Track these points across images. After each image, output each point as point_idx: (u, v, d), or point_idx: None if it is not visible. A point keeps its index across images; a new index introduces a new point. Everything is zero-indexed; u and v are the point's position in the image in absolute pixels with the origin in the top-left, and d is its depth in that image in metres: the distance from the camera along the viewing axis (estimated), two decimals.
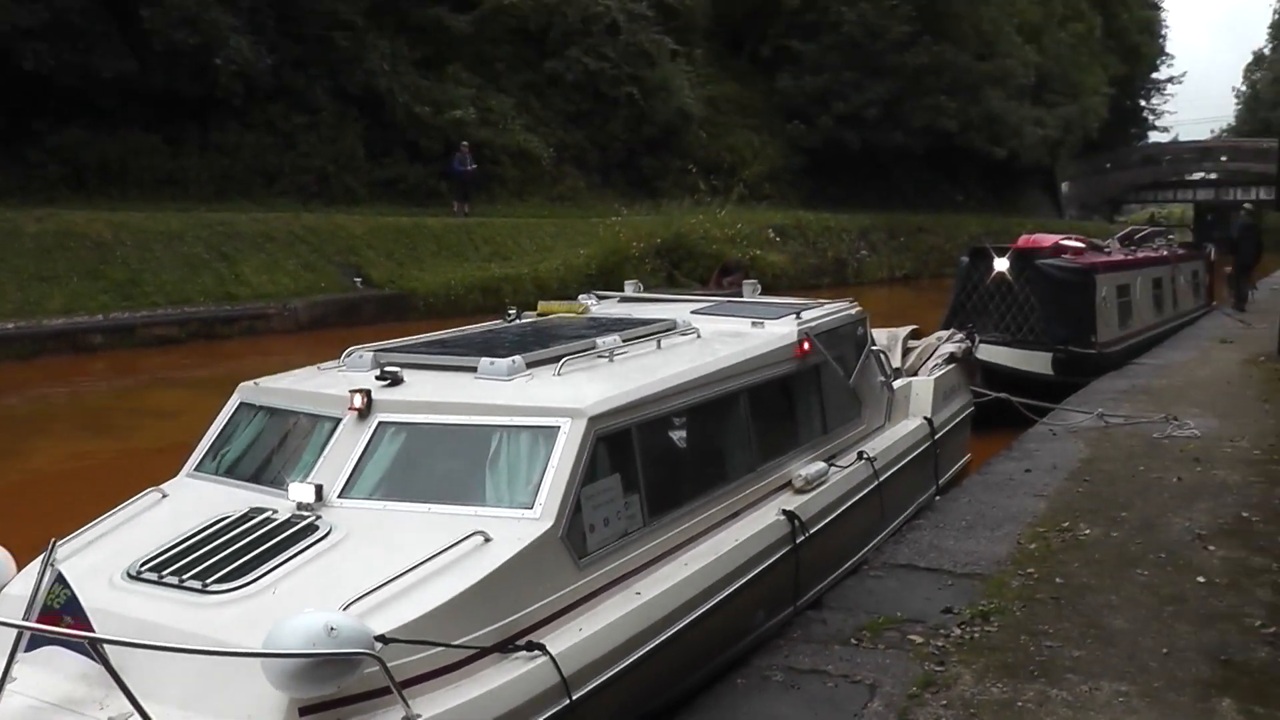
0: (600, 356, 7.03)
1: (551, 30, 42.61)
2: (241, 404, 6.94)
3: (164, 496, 6.39)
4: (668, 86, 44.46)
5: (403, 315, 27.61)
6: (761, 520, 7.28)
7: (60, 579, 4.69)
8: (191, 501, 6.20)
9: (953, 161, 59.00)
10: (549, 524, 5.56)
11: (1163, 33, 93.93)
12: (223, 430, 6.87)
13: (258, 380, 7.02)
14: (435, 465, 6.04)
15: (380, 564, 5.16)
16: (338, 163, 34.54)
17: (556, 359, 6.72)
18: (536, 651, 5.21)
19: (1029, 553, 8.65)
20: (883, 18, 50.55)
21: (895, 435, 9.90)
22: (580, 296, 10.04)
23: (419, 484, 5.93)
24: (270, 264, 27.89)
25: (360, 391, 6.19)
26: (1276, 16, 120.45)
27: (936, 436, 10.62)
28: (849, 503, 8.38)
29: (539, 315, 9.15)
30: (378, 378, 6.45)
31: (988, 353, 15.67)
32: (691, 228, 35.63)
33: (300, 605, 4.85)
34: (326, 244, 29.67)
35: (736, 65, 55.46)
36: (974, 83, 54.97)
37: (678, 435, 7.03)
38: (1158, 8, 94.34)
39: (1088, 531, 9.14)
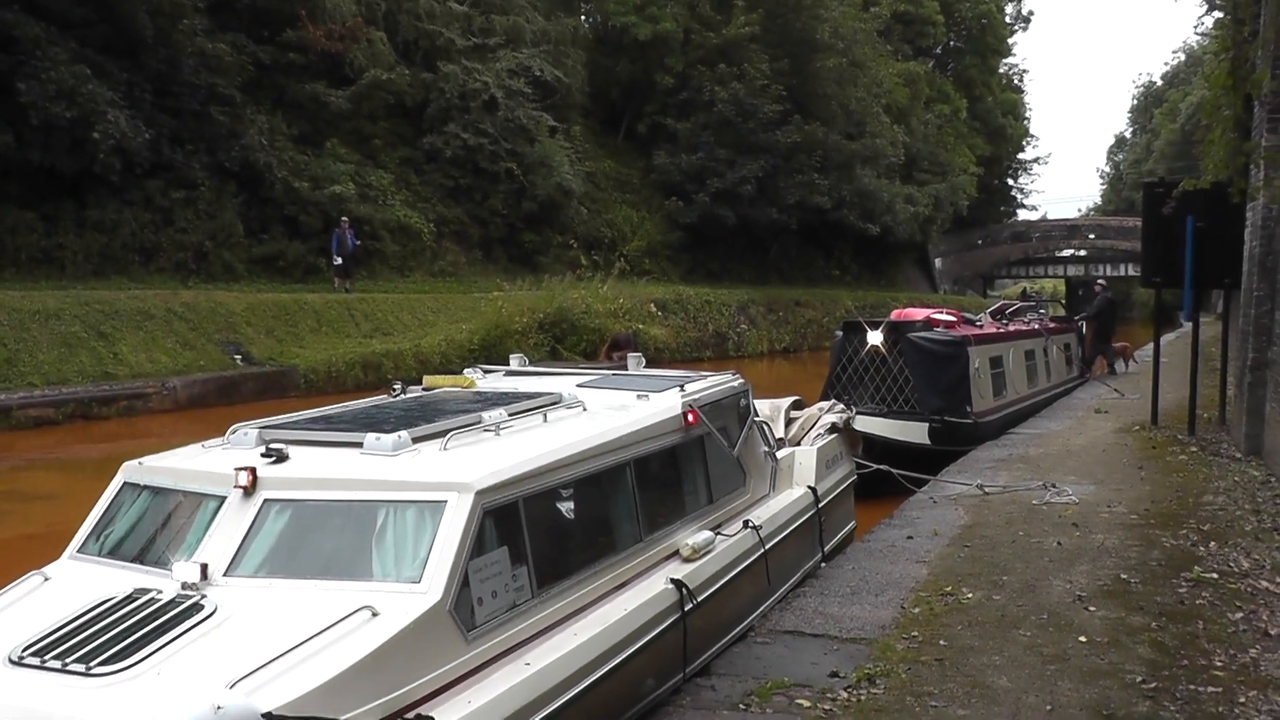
0: (487, 430, 7.06)
1: (429, 106, 42.84)
2: (125, 484, 6.85)
3: (46, 580, 6.27)
4: (547, 162, 44.79)
5: (283, 392, 27.41)
6: (650, 589, 7.35)
7: None
8: (75, 584, 6.10)
9: (827, 237, 60.23)
10: (437, 598, 5.57)
11: (1027, 115, 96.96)
12: (106, 511, 6.77)
13: (142, 460, 6.93)
14: (322, 541, 6.02)
15: (266, 641, 5.14)
16: (216, 239, 34.32)
17: (442, 434, 6.73)
18: None
19: (913, 617, 8.82)
20: (754, 96, 51.69)
21: (780, 504, 10.05)
22: (466, 370, 10.07)
23: (306, 560, 5.91)
24: (149, 342, 27.59)
25: (246, 469, 6.15)
26: (1135, 101, 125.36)
27: (821, 504, 10.80)
28: (736, 570, 8.48)
29: (425, 389, 9.17)
30: (263, 455, 6.41)
31: (865, 424, 15.98)
32: (574, 302, 35.89)
33: (186, 684, 4.83)
34: (205, 321, 29.39)
35: (614, 142, 56.26)
36: (845, 160, 56.45)
37: (565, 507, 7.09)
38: (1021, 91, 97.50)
39: (970, 595, 9.35)
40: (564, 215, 46.84)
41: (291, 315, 31.74)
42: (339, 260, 35.45)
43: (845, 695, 7.15)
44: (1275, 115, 15.13)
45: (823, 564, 10.83)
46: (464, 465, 6.27)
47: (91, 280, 30.14)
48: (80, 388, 24.95)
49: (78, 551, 6.59)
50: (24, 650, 5.27)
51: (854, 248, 63.85)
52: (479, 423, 7.13)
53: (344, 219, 35.59)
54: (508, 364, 10.57)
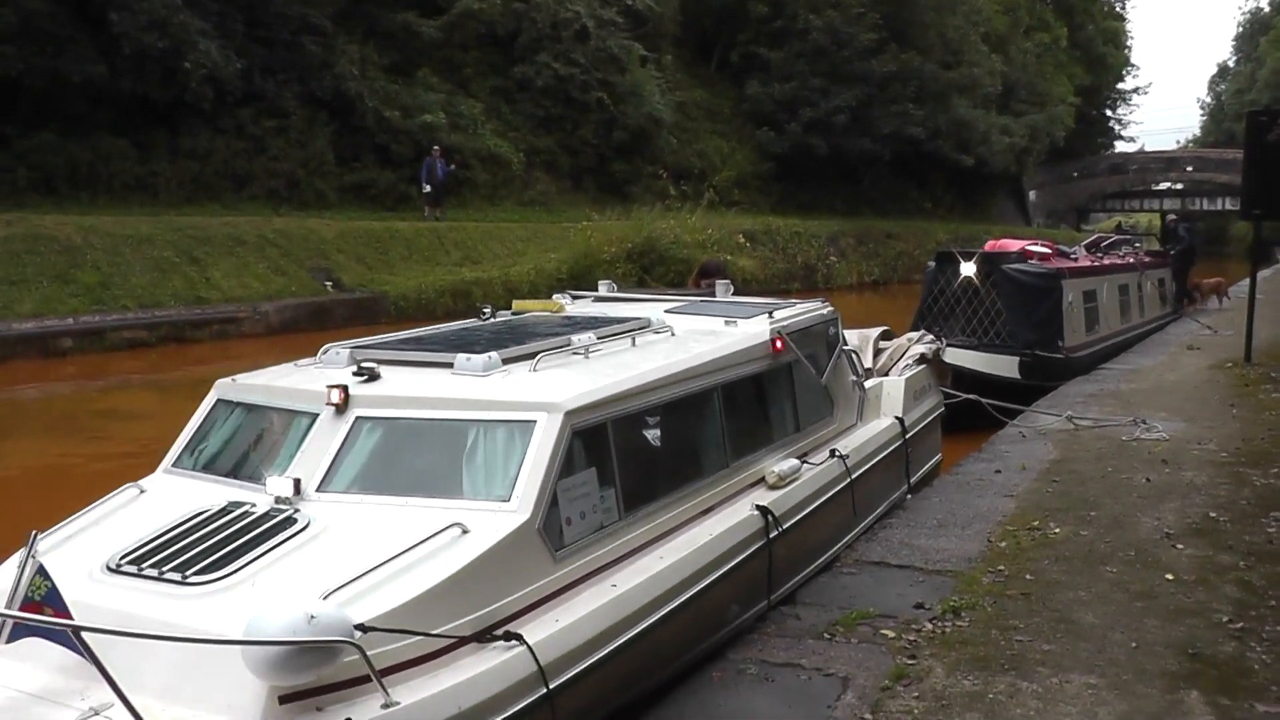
0: (575, 353, 7.06)
1: (520, 36, 42.70)
2: (219, 400, 6.94)
3: (142, 492, 6.39)
4: (638, 92, 44.57)
5: (374, 318, 27.59)
6: (735, 515, 7.32)
7: (41, 570, 4.65)
8: (169, 497, 6.21)
9: (920, 168, 59.35)
10: (525, 516, 5.60)
11: (1128, 44, 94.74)
12: (200, 426, 6.87)
13: (235, 377, 7.03)
14: (413, 459, 6.08)
15: (359, 555, 5.20)
16: (307, 167, 34.52)
17: (532, 355, 6.74)
18: (514, 641, 5.25)
19: (999, 550, 8.75)
20: (849, 25, 50.90)
21: (867, 434, 9.95)
22: (555, 295, 10.08)
23: (397, 478, 5.97)
24: (240, 268, 27.87)
25: (338, 386, 6.21)
26: (1240, 29, 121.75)
27: (908, 436, 10.68)
28: (821, 499, 8.42)
29: (514, 314, 9.19)
30: (355, 374, 6.48)
31: (955, 356, 15.78)
32: (662, 233, 35.69)
33: (279, 596, 4.89)
34: (297, 248, 29.64)
35: (705, 72, 55.76)
36: (941, 90, 55.45)
37: (653, 431, 7.11)
38: (1123, 19, 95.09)
39: (1057, 530, 9.24)
40: (654, 145, 46.59)
41: (382, 243, 31.92)
42: (429, 189, 35.46)
43: (930, 627, 7.11)
44: None
45: (909, 495, 10.74)
46: (553, 386, 6.29)
47: (184, 207, 30.46)
48: (173, 311, 25.36)
49: (172, 465, 6.71)
50: (122, 558, 5.38)
51: (948, 179, 62.90)
52: (568, 345, 7.13)
53: (435, 148, 35.56)
54: (597, 290, 10.55)
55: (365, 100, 36.06)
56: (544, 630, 5.46)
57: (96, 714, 4.57)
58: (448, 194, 36.65)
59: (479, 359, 6.49)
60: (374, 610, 4.85)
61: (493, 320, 8.69)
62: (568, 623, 5.60)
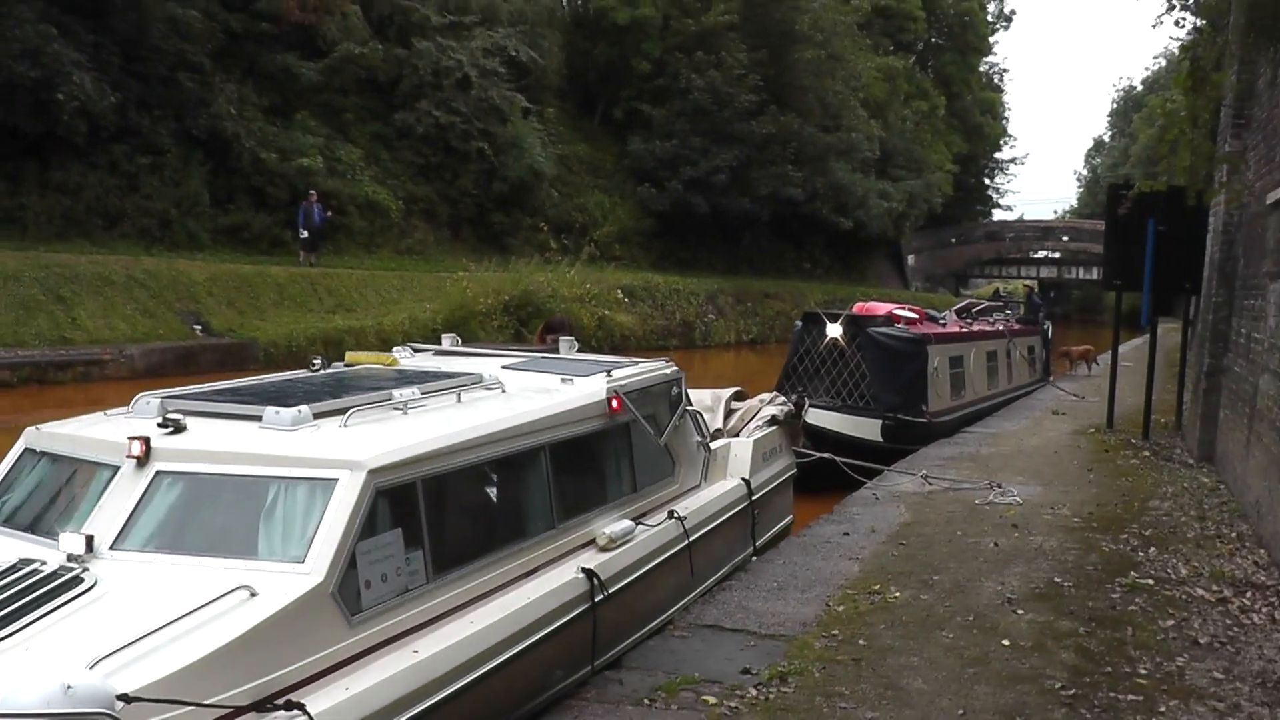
0: (395, 409, 6.86)
1: (402, 83, 42.40)
2: (25, 449, 6.69)
3: None
4: (519, 144, 44.50)
5: (242, 365, 26.97)
6: (559, 578, 7.13)
7: None
8: None
9: (799, 229, 59.99)
10: (319, 579, 5.39)
11: (1005, 115, 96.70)
12: (4, 477, 6.63)
13: (42, 425, 6.78)
14: (213, 516, 5.84)
15: (139, 619, 4.96)
16: (180, 207, 33.91)
17: (345, 410, 6.54)
18: (295, 711, 5.01)
19: (836, 615, 8.65)
20: (730, 85, 51.39)
21: (710, 495, 9.83)
22: (395, 349, 9.87)
23: (194, 536, 5.73)
24: (108, 308, 27.29)
25: (139, 439, 5.96)
26: (1115, 105, 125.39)
27: (755, 497, 10.58)
28: (655, 562, 8.27)
29: (347, 365, 8.96)
30: (159, 424, 6.22)
31: (819, 418, 15.81)
32: (540, 285, 35.60)
33: (50, 661, 4.65)
34: (166, 290, 29.09)
35: (589, 126, 55.97)
36: (820, 153, 56.20)
37: (471, 491, 6.92)
38: (1001, 90, 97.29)
39: (897, 594, 9.18)
40: (535, 197, 46.51)
41: (254, 287, 31.40)
42: (305, 234, 35.06)
43: (754, 693, 6.98)
44: (1239, 119, 15.00)
45: (754, 558, 10.63)
46: (359, 443, 6.09)
47: (53, 243, 29.75)
48: (37, 351, 24.69)
49: None
50: None
51: (826, 241, 63.63)
52: (389, 400, 6.93)
53: (311, 192, 35.19)
54: (463, 344, 10.35)
55: (242, 140, 35.61)
56: (331, 699, 5.22)
57: None
58: (323, 240, 36.21)
59: (288, 413, 6.26)
60: (142, 679, 4.60)
61: (322, 372, 8.43)
62: (359, 690, 5.37)
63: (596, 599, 7.30)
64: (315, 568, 5.43)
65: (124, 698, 4.40)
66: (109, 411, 6.97)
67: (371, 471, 5.77)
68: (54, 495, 6.39)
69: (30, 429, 6.73)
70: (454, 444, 6.50)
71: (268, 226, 36.24)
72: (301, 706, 5.02)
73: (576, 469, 7.93)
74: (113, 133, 32.06)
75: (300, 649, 5.23)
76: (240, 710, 4.89)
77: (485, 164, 43.48)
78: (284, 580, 5.35)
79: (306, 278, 33.56)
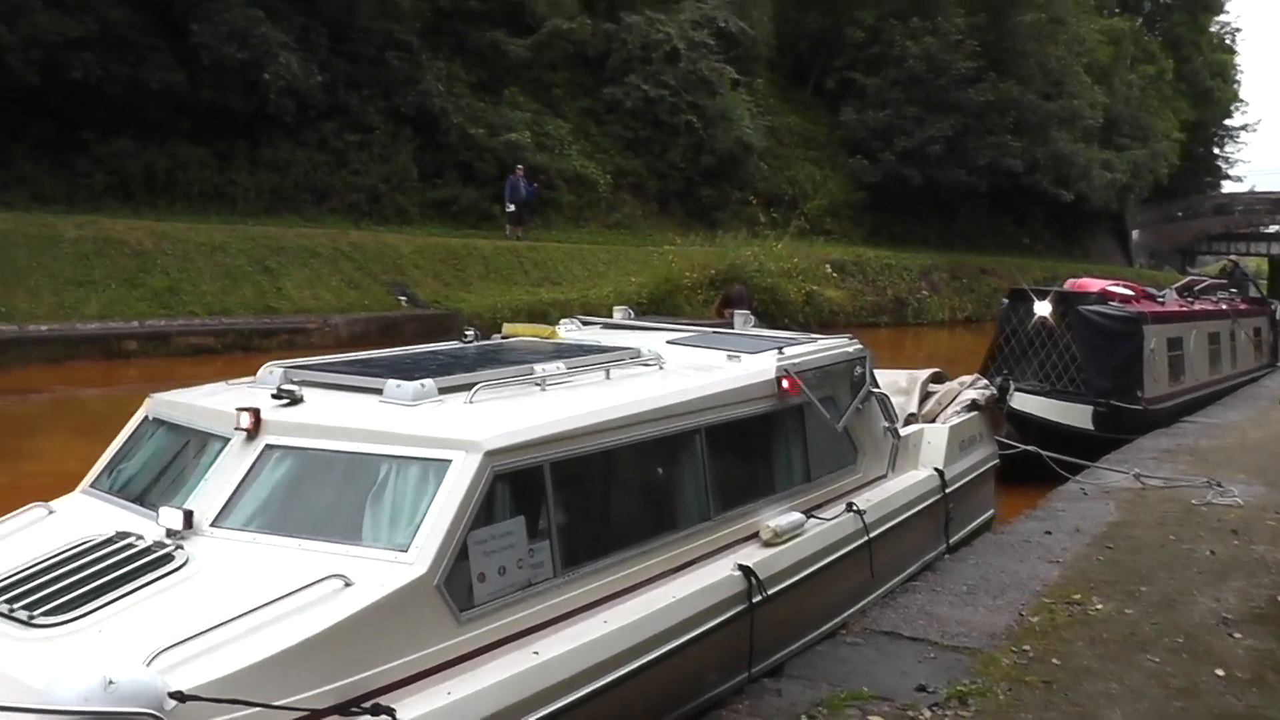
0: (533, 384, 6.30)
1: (610, 57, 42.18)
2: (147, 418, 6.44)
3: (49, 513, 5.95)
4: (728, 116, 43.72)
5: (446, 335, 27.07)
6: (711, 575, 6.47)
7: None
8: (68, 520, 5.75)
9: (1018, 202, 57.62)
10: (422, 570, 4.90)
11: (1237, 78, 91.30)
12: (124, 445, 6.40)
13: (166, 393, 6.51)
14: (318, 496, 5.43)
15: (221, 606, 4.56)
16: (389, 182, 34.30)
17: (473, 385, 6.00)
18: (384, 717, 4.51)
19: (1029, 626, 7.77)
20: (947, 52, 49.52)
21: (897, 486, 9.03)
22: (562, 321, 9.35)
23: (297, 516, 5.32)
24: (313, 279, 27.73)
25: (249, 410, 5.61)
26: None
27: (948, 490, 9.72)
28: (827, 559, 7.53)
29: (504, 337, 8.46)
30: (273, 396, 5.85)
31: (1024, 402, 14.76)
32: (746, 260, 34.80)
33: (121, 646, 4.35)
34: (372, 262, 29.46)
35: (800, 97, 54.73)
36: (1040, 122, 53.67)
37: (610, 476, 6.29)
38: (1233, 52, 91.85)
39: (1099, 606, 8.21)
40: (743, 170, 45.68)
41: (460, 260, 31.56)
42: (512, 207, 35.05)
43: (928, 715, 6.20)
44: None
45: (946, 556, 9.78)
46: (479, 421, 5.55)
47: (262, 218, 30.37)
48: (241, 319, 25.19)
49: (90, 485, 6.28)
50: None
51: (1046, 214, 61.02)
52: (528, 375, 6.38)
53: (519, 166, 35.14)
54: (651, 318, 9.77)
55: (450, 117, 35.79)
56: (429, 703, 4.72)
57: None
58: (532, 214, 36.23)
59: (409, 386, 5.80)
60: (205, 674, 4.20)
61: (473, 344, 7.94)
62: (461, 696, 4.84)
63: (754, 599, 6.61)
64: (419, 557, 4.94)
65: (178, 696, 4.01)
66: (232, 381, 6.69)
67: (489, 453, 5.24)
68: (165, 466, 6.12)
69: (156, 395, 6.50)
70: (589, 425, 5.91)
71: (475, 201, 36.33)
72: (391, 712, 4.53)
73: (739, 455, 7.25)
74: (321, 111, 32.61)
75: (396, 647, 4.76)
76: (319, 714, 4.44)
77: (694, 137, 42.84)
78: (384, 570, 4.89)
79: (513, 251, 33.55)
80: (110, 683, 3.82)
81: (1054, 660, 7.12)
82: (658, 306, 28.93)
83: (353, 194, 33.37)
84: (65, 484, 6.47)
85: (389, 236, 31.36)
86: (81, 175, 28.34)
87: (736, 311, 9.56)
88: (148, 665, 4.14)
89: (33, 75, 26.20)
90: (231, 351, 23.98)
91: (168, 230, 26.47)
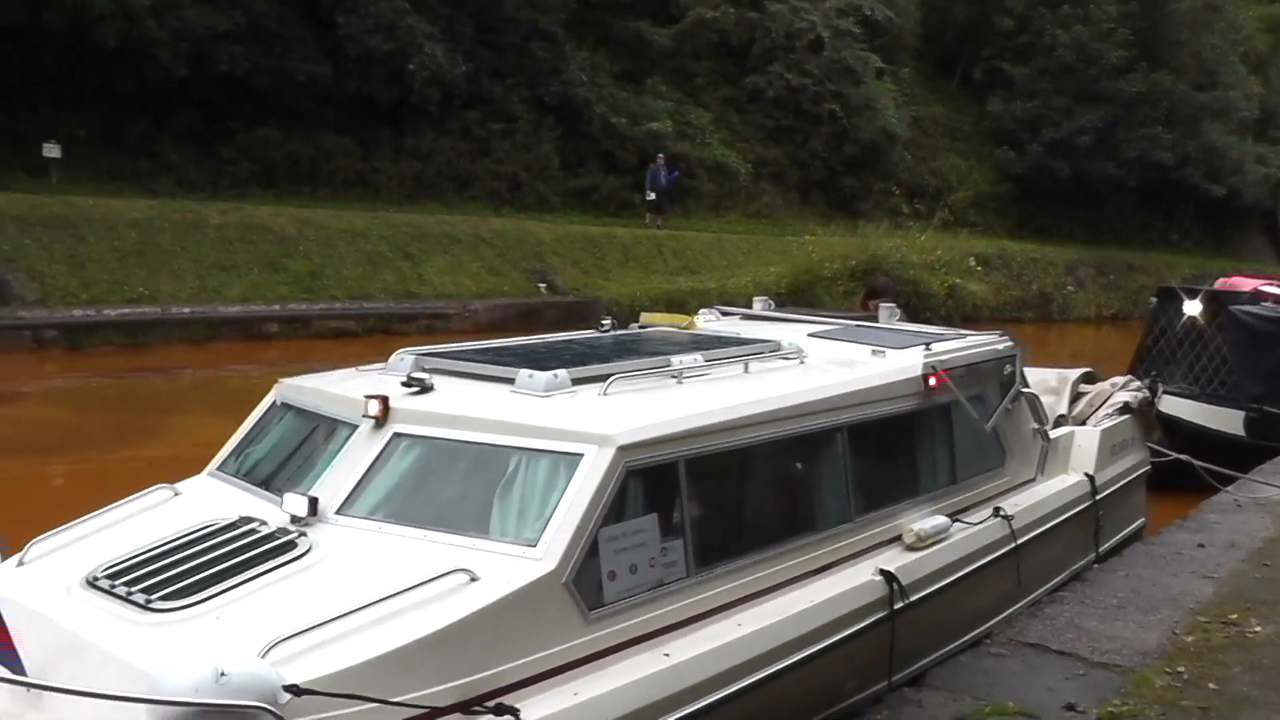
0: (670, 376, 6.11)
1: (754, 46, 41.81)
2: (275, 402, 6.42)
3: (174, 495, 5.94)
4: (873, 105, 43.08)
5: (585, 323, 27.09)
6: (851, 579, 6.24)
7: None
8: (193, 503, 5.74)
9: (1167, 197, 55.65)
10: (550, 566, 4.77)
11: None
12: (251, 429, 6.40)
13: (294, 378, 6.48)
14: (446, 487, 5.34)
15: (342, 597, 4.48)
16: (531, 170, 34.50)
17: (607, 376, 5.85)
18: (507, 717, 4.38)
19: (1183, 646, 7.35)
20: (1098, 41, 48.04)
21: (1046, 491, 8.67)
22: (701, 311, 9.14)
23: (423, 507, 5.23)
24: (454, 265, 28.11)
25: (378, 398, 5.54)
26: None
27: (1099, 496, 9.31)
28: (972, 566, 7.23)
29: (641, 327, 8.28)
30: (404, 384, 5.77)
31: (1173, 405, 14.16)
32: (888, 251, 34.21)
33: (237, 635, 4.29)
34: (513, 249, 29.76)
35: (946, 87, 53.62)
36: (1193, 114, 51.79)
37: (748, 474, 6.08)
38: None
39: (1258, 629, 7.72)
40: (887, 161, 45.01)
41: (600, 248, 31.76)
42: (653, 196, 35.11)
43: None
44: None
45: (1095, 565, 9.38)
46: (613, 414, 5.39)
47: (404, 205, 30.78)
48: (382, 304, 25.64)
49: (216, 468, 6.27)
50: (104, 571, 4.92)
51: (1195, 210, 58.70)
52: (665, 367, 6.20)
53: (660, 155, 35.14)
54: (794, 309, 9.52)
55: (593, 106, 35.90)
56: (555, 704, 4.59)
57: None
58: (672, 202, 36.18)
59: (542, 377, 5.68)
60: (323, 668, 4.11)
61: (609, 333, 7.78)
62: (588, 697, 4.70)
63: (896, 606, 6.35)
64: (549, 553, 4.81)
65: (293, 689, 3.92)
66: (363, 366, 6.64)
67: (622, 448, 5.08)
68: (292, 452, 6.07)
69: (285, 379, 6.47)
70: (726, 421, 5.70)
71: (616, 189, 36.36)
72: (515, 712, 4.40)
73: (882, 455, 7.00)
74: (465, 100, 32.91)
75: (522, 645, 4.63)
76: (439, 711, 4.32)
77: (837, 126, 42.30)
78: (511, 565, 4.77)
79: (653, 239, 33.61)
80: (223, 674, 3.74)
81: (1210, 685, 6.71)
82: (797, 297, 28.59)
83: (494, 182, 33.62)
84: (204, 462, 6.46)
85: (530, 224, 31.59)
86: (227, 164, 28.96)
87: (882, 304, 9.23)
88: (263, 656, 4.07)
89: (181, 68, 26.84)
90: (372, 335, 24.33)
91: (310, 216, 27.03)
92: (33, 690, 4.18)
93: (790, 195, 43.12)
